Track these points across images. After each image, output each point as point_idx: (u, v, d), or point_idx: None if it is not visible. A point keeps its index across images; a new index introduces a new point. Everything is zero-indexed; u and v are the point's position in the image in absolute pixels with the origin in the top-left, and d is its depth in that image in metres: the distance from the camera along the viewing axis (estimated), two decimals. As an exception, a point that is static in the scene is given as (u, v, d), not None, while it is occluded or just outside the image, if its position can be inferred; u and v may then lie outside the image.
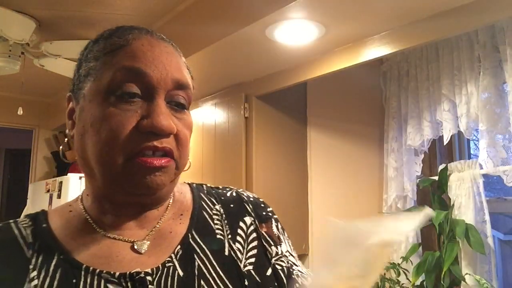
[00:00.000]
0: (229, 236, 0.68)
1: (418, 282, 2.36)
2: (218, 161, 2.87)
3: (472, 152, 2.75)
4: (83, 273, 0.59)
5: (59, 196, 3.18)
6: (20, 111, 2.89)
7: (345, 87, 2.94)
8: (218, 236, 0.68)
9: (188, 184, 0.76)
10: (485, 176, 2.31)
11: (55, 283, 0.58)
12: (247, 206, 0.74)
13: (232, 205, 0.74)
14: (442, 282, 2.21)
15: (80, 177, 3.16)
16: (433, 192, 2.44)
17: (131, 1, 2.38)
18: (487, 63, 2.22)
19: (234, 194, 0.77)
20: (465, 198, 2.33)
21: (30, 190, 3.95)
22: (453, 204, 2.35)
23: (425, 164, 2.69)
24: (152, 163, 0.59)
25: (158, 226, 0.66)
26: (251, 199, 0.76)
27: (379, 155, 2.89)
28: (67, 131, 0.68)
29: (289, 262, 0.70)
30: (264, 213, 0.74)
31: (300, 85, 2.73)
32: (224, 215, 0.71)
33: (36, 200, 3.72)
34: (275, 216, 0.75)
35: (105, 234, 0.63)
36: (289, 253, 0.72)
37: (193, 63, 1.93)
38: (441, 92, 2.45)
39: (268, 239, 0.71)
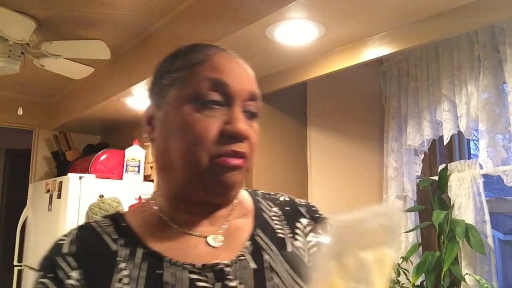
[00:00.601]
0: (290, 235, 0.76)
1: (418, 282, 2.36)
2: (218, 161, 2.86)
3: (472, 152, 2.75)
4: (167, 264, 0.65)
5: (59, 196, 3.18)
6: (20, 111, 2.89)
7: (345, 87, 2.94)
8: (280, 235, 0.75)
9: (244, 188, 0.82)
10: (485, 176, 2.31)
11: (142, 273, 0.64)
12: (301, 209, 0.82)
13: (287, 208, 0.81)
14: (442, 282, 2.21)
15: (80, 177, 3.15)
16: (433, 192, 2.44)
17: (131, 1, 2.38)
18: (487, 63, 2.22)
19: (287, 198, 0.84)
20: (465, 198, 2.33)
21: (30, 190, 3.95)
22: (453, 204, 2.35)
23: (425, 164, 2.70)
24: (231, 163, 0.66)
25: (227, 223, 0.73)
26: (303, 203, 0.84)
27: (379, 155, 2.89)
28: (145, 135, 0.75)
29: None
30: (317, 215, 0.82)
31: (300, 85, 2.73)
32: (282, 216, 0.79)
33: (36, 200, 3.71)
34: (328, 218, 0.80)
35: (181, 229, 0.70)
36: None
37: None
38: (441, 92, 2.45)
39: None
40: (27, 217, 3.81)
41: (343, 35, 2.17)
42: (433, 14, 1.95)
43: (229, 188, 0.68)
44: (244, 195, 0.80)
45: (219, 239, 0.70)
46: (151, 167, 3.39)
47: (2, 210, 5.25)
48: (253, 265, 0.68)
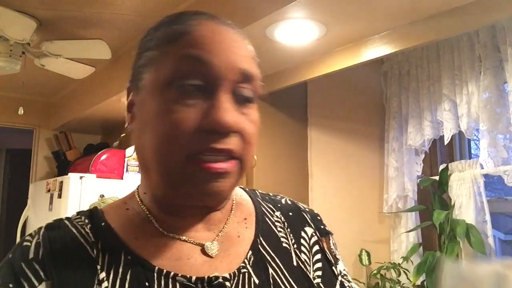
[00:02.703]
0: (295, 246, 0.65)
1: (418, 282, 2.36)
2: (218, 161, 2.86)
3: (472, 152, 2.75)
4: (155, 275, 0.54)
5: (59, 196, 3.18)
6: (20, 111, 2.89)
7: (346, 87, 2.94)
8: (284, 245, 0.65)
9: (241, 187, 0.71)
10: (485, 176, 2.31)
11: (127, 285, 0.53)
12: (306, 216, 0.71)
13: (291, 213, 0.70)
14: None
15: (81, 177, 3.16)
16: (434, 192, 2.44)
17: (132, 1, 2.38)
18: (488, 63, 2.22)
19: (289, 202, 0.73)
20: (466, 198, 2.33)
21: (30, 190, 3.95)
22: (454, 204, 2.35)
23: (425, 164, 2.69)
24: (214, 169, 0.53)
25: (225, 229, 0.62)
26: (307, 209, 0.73)
27: (379, 155, 2.89)
28: (126, 124, 0.62)
29: (350, 282, 0.69)
30: (322, 226, 0.72)
31: (301, 84, 2.73)
32: (285, 223, 0.68)
33: (37, 200, 3.72)
34: (331, 232, 0.73)
35: (173, 235, 0.59)
36: (346, 272, 0.70)
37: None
38: (441, 92, 2.45)
39: (330, 255, 0.69)
40: (27, 217, 3.82)
41: (344, 34, 2.17)
42: (433, 14, 1.95)
43: (212, 197, 0.56)
44: (243, 195, 0.70)
45: (216, 248, 0.59)
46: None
47: (3, 210, 5.25)
48: (255, 279, 0.58)
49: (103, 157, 3.47)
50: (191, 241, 0.59)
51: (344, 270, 0.69)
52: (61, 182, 3.21)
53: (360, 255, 2.63)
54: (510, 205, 2.54)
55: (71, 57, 2.73)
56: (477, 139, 2.56)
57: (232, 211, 0.65)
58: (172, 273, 0.55)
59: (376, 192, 2.88)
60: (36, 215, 3.68)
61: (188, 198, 0.56)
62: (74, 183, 3.11)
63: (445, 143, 2.47)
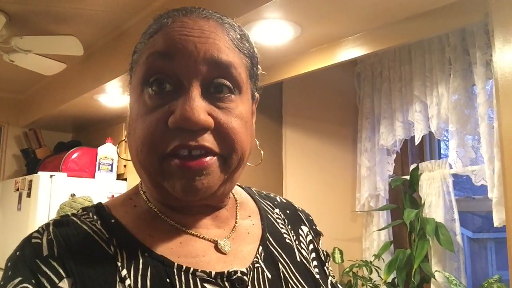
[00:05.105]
0: (296, 242, 0.67)
1: (389, 279, 2.40)
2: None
3: (442, 152, 2.81)
4: (175, 271, 0.54)
5: (28, 195, 3.11)
6: (-12, 108, 2.81)
7: (320, 87, 2.97)
8: (287, 241, 0.66)
9: (238, 184, 0.71)
10: (454, 175, 2.37)
11: (148, 282, 0.52)
12: (301, 215, 0.73)
13: (288, 211, 0.72)
14: (412, 279, 2.26)
15: (51, 176, 3.09)
16: (405, 191, 2.49)
17: (105, -3, 2.34)
18: (458, 65, 2.28)
19: (283, 200, 0.75)
20: (435, 197, 2.38)
21: (-2, 189, 3.84)
22: (424, 203, 2.40)
23: (397, 163, 2.74)
24: (188, 166, 0.52)
25: (234, 226, 0.63)
26: (300, 209, 0.75)
27: (352, 154, 2.93)
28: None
29: (337, 283, 0.72)
30: (314, 227, 0.74)
31: (276, 84, 2.74)
32: (285, 220, 0.70)
33: (5, 199, 3.62)
34: (322, 233, 0.75)
35: (186, 230, 0.59)
36: (331, 271, 0.73)
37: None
38: (413, 93, 2.49)
39: (322, 255, 0.71)
40: (-5, 216, 3.71)
41: (319, 35, 2.19)
42: (406, 17, 1.99)
43: (192, 195, 0.54)
44: (242, 194, 0.70)
45: (228, 245, 0.60)
46: (124, 166, 3.35)
47: (-31, 209, 5.09)
48: (268, 274, 0.59)
49: (75, 155, 3.40)
50: (205, 237, 0.59)
51: (331, 270, 0.72)
52: (31, 181, 3.13)
53: (333, 253, 2.66)
54: (478, 204, 2.61)
55: (42, 53, 2.66)
56: (446, 139, 2.62)
57: (238, 209, 0.65)
58: (192, 269, 0.54)
59: (349, 191, 2.92)
60: (4, 215, 3.58)
61: (171, 197, 0.55)
62: (44, 182, 3.04)
63: (416, 144, 2.53)
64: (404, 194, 2.47)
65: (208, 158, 0.53)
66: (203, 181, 0.53)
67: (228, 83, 0.55)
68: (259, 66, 0.63)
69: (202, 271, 0.55)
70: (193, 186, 0.53)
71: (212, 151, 0.53)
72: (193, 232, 0.59)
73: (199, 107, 0.52)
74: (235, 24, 0.60)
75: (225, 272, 0.56)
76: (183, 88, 0.53)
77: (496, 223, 1.98)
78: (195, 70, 0.53)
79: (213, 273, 0.55)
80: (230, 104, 0.55)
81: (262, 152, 0.65)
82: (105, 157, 3.36)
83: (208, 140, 0.53)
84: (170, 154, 0.53)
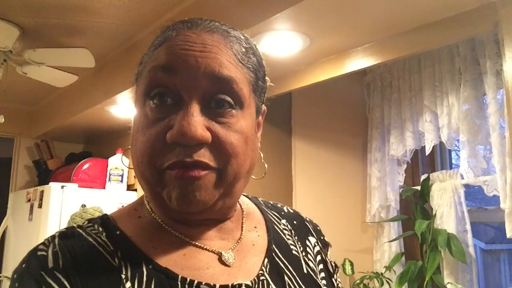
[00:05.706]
0: (303, 254, 0.66)
1: (401, 292, 2.37)
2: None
3: (453, 162, 2.79)
4: (179, 284, 0.54)
5: (40, 206, 3.13)
6: (1, 119, 2.84)
7: (330, 98, 2.97)
8: (294, 252, 0.65)
9: (244, 194, 0.72)
10: (466, 186, 2.35)
11: None
12: (309, 226, 0.73)
13: (295, 222, 0.71)
14: (424, 291, 2.23)
15: (62, 186, 3.11)
16: (416, 202, 2.47)
17: (116, 10, 2.37)
18: (468, 75, 2.27)
19: (291, 210, 0.74)
20: (447, 208, 2.36)
21: (10, 200, 3.87)
22: (435, 214, 2.38)
23: (407, 174, 2.73)
24: (182, 176, 0.52)
25: (239, 238, 0.62)
26: (308, 219, 0.75)
27: (362, 165, 2.92)
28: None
29: None
30: (322, 237, 0.73)
31: (285, 95, 2.75)
32: (292, 231, 0.69)
33: (16, 209, 3.65)
34: (330, 244, 0.74)
35: (189, 242, 0.58)
36: (340, 282, 0.72)
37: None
38: (423, 103, 2.49)
39: (330, 266, 0.70)
40: (6, 227, 3.74)
41: (328, 46, 2.20)
42: (415, 27, 1.99)
43: (189, 207, 0.53)
44: (249, 204, 0.70)
45: (232, 257, 0.59)
46: (134, 177, 3.36)
47: (-19, 220, 5.14)
48: (273, 286, 0.59)
49: (85, 166, 3.43)
50: (208, 249, 0.58)
51: (340, 282, 0.71)
52: (42, 192, 3.16)
53: (343, 265, 2.64)
54: (490, 215, 2.58)
55: (54, 65, 2.70)
56: (457, 149, 2.60)
57: (244, 221, 0.65)
58: (196, 282, 0.54)
59: (359, 201, 2.90)
60: (16, 225, 3.61)
61: (170, 208, 0.55)
62: (55, 193, 3.06)
63: (427, 154, 2.51)
64: (415, 204, 2.45)
65: (203, 173, 0.53)
66: (196, 194, 0.53)
67: (228, 98, 0.54)
68: (267, 78, 0.63)
69: (206, 284, 0.54)
70: (187, 197, 0.53)
71: (207, 165, 0.53)
72: (197, 243, 0.58)
73: (197, 122, 0.52)
74: (241, 37, 0.59)
75: (229, 285, 0.55)
76: (183, 103, 0.53)
77: (509, 234, 1.95)
78: (196, 84, 0.53)
79: (217, 286, 0.55)
80: (231, 119, 0.54)
81: (266, 166, 0.65)
82: (116, 168, 3.38)
83: (204, 155, 0.53)
84: (168, 168, 0.53)
